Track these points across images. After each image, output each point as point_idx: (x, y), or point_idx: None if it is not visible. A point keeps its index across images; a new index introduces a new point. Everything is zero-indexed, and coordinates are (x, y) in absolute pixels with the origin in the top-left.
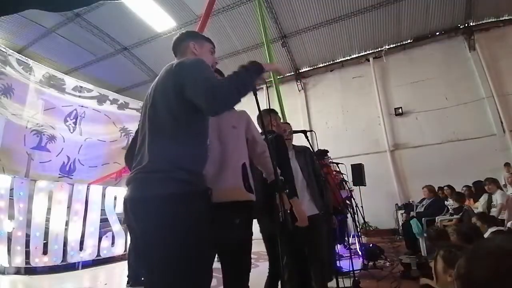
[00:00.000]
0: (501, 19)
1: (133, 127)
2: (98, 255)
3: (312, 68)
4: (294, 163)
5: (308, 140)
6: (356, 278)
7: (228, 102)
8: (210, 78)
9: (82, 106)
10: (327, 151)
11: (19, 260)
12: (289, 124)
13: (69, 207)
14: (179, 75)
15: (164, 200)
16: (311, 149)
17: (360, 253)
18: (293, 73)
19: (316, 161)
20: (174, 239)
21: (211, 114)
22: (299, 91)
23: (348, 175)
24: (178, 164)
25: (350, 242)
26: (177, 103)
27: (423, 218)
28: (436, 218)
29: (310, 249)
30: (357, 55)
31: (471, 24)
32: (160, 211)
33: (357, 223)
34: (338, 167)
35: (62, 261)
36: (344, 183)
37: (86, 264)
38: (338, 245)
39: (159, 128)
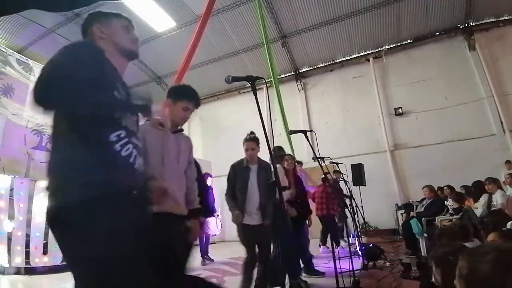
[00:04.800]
0: (501, 19)
1: None
2: None
3: (312, 68)
4: (254, 178)
5: (308, 140)
6: (356, 278)
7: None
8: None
9: None
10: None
11: (19, 260)
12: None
13: None
14: None
15: (75, 209)
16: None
17: (360, 253)
18: (293, 73)
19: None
20: (92, 250)
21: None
22: (299, 91)
23: (348, 175)
24: (83, 168)
25: (350, 242)
26: None
27: (423, 218)
28: (436, 218)
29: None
30: (357, 55)
31: (471, 24)
32: (73, 221)
33: (357, 223)
34: (338, 167)
35: (62, 261)
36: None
37: None
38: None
39: (54, 132)
